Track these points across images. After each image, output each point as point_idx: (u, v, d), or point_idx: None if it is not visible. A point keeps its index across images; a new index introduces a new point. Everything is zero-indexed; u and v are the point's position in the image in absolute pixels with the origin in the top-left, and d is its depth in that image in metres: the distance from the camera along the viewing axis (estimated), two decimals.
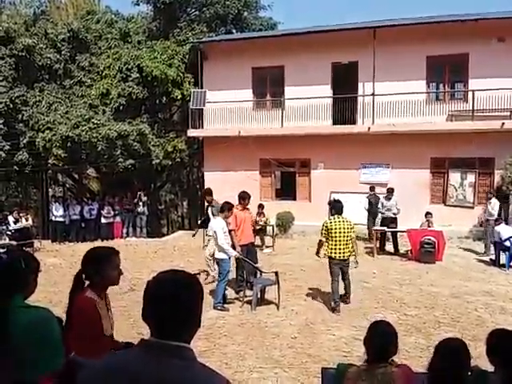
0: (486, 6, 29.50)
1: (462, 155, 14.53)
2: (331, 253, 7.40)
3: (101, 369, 1.53)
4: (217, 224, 7.70)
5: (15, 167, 17.73)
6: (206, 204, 10.49)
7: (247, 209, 8.81)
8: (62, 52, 17.84)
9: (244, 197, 8.68)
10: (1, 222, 12.20)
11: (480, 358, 2.98)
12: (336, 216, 7.47)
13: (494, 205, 12.17)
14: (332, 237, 7.34)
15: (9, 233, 13.69)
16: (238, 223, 8.38)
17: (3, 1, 25.54)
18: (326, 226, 7.40)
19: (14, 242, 11.82)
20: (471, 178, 14.74)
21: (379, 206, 12.84)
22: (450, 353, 2.62)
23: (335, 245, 7.35)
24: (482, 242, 13.09)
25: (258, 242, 11.66)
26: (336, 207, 7.63)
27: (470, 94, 14.36)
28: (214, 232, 7.69)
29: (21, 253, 2.38)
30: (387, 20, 16.10)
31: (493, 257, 11.05)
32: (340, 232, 7.32)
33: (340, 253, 7.37)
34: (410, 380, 2.68)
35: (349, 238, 7.40)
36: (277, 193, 17.12)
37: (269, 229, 13.96)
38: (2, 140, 16.82)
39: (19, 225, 14.87)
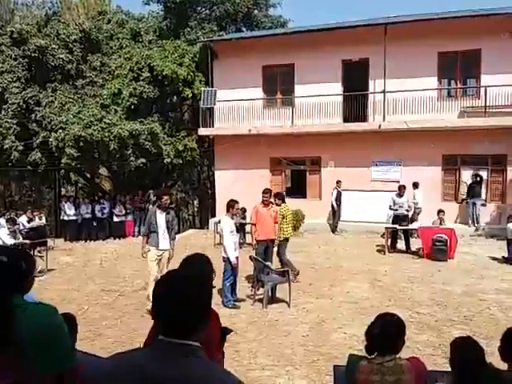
0: (498, 1, 29.20)
1: (474, 152, 14.41)
2: (287, 234, 8.97)
3: (110, 368, 1.53)
4: (224, 223, 7.77)
5: (29, 167, 17.95)
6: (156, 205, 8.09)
7: (269, 205, 8.73)
8: (74, 52, 17.99)
9: (264, 192, 8.73)
10: (14, 222, 12.33)
11: (493, 356, 2.97)
12: (284, 204, 9.05)
13: (416, 195, 13.36)
14: (287, 221, 8.92)
15: (24, 232, 13.87)
16: (258, 218, 8.45)
17: (16, 2, 25.84)
18: (283, 214, 8.85)
19: (27, 241, 11.95)
20: (483, 175, 14.61)
21: (390, 203, 12.77)
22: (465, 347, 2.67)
23: (290, 227, 9.10)
24: (494, 239, 13.04)
25: None
26: (283, 197, 9.36)
27: (482, 90, 14.21)
28: (221, 230, 7.75)
29: (19, 252, 2.35)
30: (398, 16, 16.00)
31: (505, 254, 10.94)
32: (291, 216, 9.24)
33: (291, 232, 9.24)
34: (420, 372, 2.67)
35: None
36: (287, 191, 17.11)
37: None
38: (15, 140, 17.02)
39: (33, 224, 15.04)
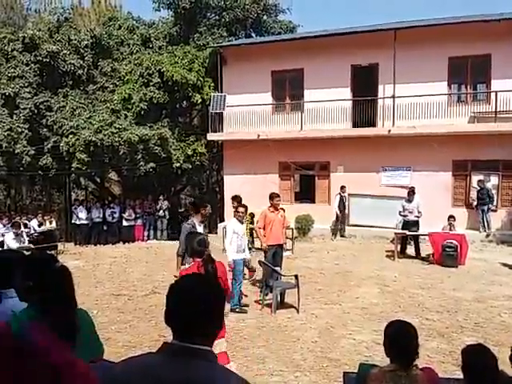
0: (508, 6, 29.05)
1: (484, 157, 14.29)
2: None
3: (122, 373, 1.53)
4: (229, 225, 7.84)
5: (39, 171, 18.13)
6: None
7: (278, 210, 8.73)
8: (85, 58, 18.17)
9: (271, 196, 8.73)
10: (19, 226, 12.45)
11: (504, 364, 2.93)
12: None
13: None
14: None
15: (35, 236, 14.01)
16: (267, 223, 8.46)
17: (29, 8, 26.20)
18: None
19: (31, 245, 12.08)
20: (494, 180, 14.48)
21: (400, 209, 12.72)
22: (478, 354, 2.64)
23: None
24: (505, 245, 12.92)
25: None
26: (241, 200, 9.08)
27: (492, 95, 14.13)
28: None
29: (54, 256, 2.47)
30: (408, 21, 15.97)
31: None
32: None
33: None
34: (434, 383, 2.65)
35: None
36: (296, 196, 17.10)
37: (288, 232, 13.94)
38: (26, 145, 17.20)
39: (43, 228, 15.20)
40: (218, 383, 1.43)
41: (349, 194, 15.11)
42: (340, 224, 15.05)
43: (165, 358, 1.50)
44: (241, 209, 7.87)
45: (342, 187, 14.94)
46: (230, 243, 7.60)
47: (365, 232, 14.66)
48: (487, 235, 13.70)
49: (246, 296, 7.94)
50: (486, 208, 13.81)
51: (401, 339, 2.66)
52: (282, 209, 9.10)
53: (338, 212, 14.81)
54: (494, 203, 14.18)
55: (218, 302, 1.59)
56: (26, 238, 12.37)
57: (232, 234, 7.62)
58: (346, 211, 15.16)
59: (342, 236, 14.95)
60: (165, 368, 1.46)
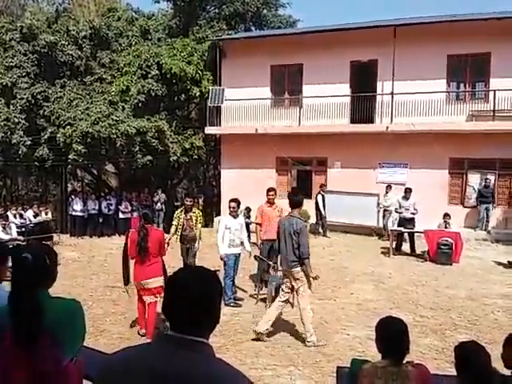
0: (508, 4, 29.03)
1: (481, 156, 14.31)
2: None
3: (118, 363, 1.53)
4: (222, 220, 7.93)
5: (36, 162, 18.05)
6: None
7: (275, 205, 8.75)
8: (84, 49, 18.05)
9: (269, 190, 8.75)
10: (7, 218, 12.39)
11: (497, 362, 2.95)
12: (194, 208, 8.94)
13: (390, 198, 13.74)
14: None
15: (30, 226, 13.95)
16: (264, 218, 8.49)
17: None
18: (197, 217, 8.62)
19: (21, 237, 12.06)
20: (491, 179, 14.50)
21: (396, 206, 12.76)
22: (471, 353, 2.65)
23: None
24: (500, 243, 12.98)
25: None
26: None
27: (491, 93, 14.14)
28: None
29: (42, 248, 2.40)
30: (408, 18, 15.93)
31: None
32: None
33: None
34: (426, 380, 2.66)
35: None
36: (293, 191, 17.04)
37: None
38: (23, 135, 17.10)
39: (39, 219, 15.15)
40: (214, 375, 1.44)
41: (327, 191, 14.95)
42: (323, 223, 14.76)
43: (161, 348, 1.51)
44: (232, 204, 7.88)
45: (322, 185, 14.90)
46: (223, 238, 7.72)
47: (360, 229, 14.67)
48: (488, 232, 13.70)
49: (242, 290, 7.95)
50: (490, 206, 13.82)
51: (392, 335, 2.67)
52: (281, 209, 9.11)
53: (323, 211, 14.55)
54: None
55: (216, 295, 1.60)
56: (15, 230, 12.29)
57: (224, 229, 7.71)
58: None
59: (323, 235, 14.66)
60: (160, 359, 1.46)
